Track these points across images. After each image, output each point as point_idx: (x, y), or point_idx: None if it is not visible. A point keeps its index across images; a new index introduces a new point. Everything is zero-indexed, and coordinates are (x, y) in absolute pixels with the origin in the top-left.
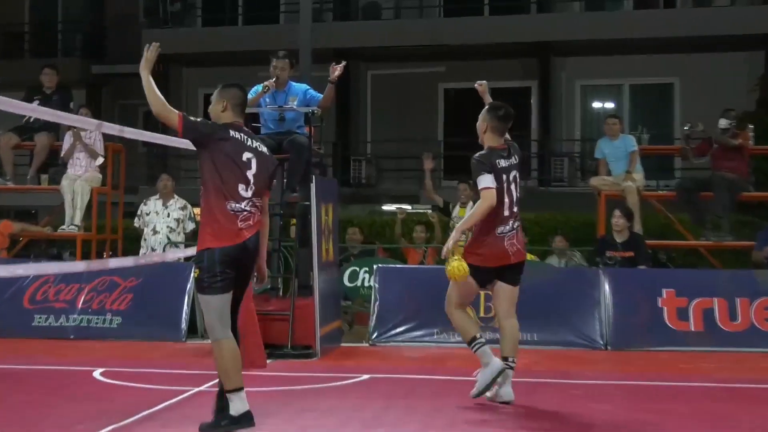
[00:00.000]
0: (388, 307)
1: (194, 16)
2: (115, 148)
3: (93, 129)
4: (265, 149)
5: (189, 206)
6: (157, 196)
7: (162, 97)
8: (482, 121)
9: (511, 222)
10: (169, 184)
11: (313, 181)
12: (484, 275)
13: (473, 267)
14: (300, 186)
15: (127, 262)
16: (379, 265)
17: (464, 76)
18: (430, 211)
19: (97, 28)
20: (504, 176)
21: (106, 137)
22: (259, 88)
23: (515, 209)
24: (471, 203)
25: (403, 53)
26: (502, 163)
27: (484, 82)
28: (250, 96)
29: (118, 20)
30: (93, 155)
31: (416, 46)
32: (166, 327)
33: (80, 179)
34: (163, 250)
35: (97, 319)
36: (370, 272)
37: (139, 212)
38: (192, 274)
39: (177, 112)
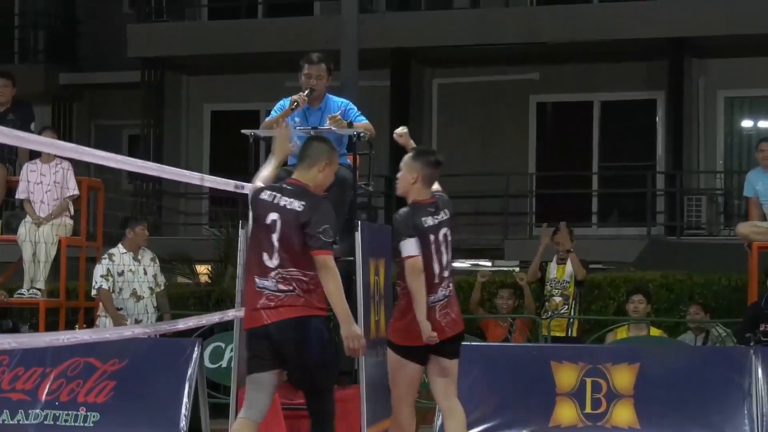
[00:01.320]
0: (461, 401)
1: (198, 6)
2: (91, 184)
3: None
4: (295, 203)
5: (156, 258)
6: (123, 249)
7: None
8: (409, 171)
9: (441, 289)
10: (146, 234)
11: (359, 228)
12: (418, 354)
13: (403, 348)
14: (341, 236)
15: (108, 335)
16: None
17: (564, 86)
18: (517, 270)
19: (65, 25)
20: (432, 237)
21: (79, 170)
22: (285, 103)
23: (446, 274)
24: (573, 257)
25: (481, 55)
26: (429, 221)
27: (405, 129)
28: (272, 114)
29: (93, 14)
30: (62, 196)
31: (500, 46)
32: (159, 425)
33: (45, 226)
34: (153, 321)
35: (67, 415)
36: None
37: (104, 271)
38: (197, 353)
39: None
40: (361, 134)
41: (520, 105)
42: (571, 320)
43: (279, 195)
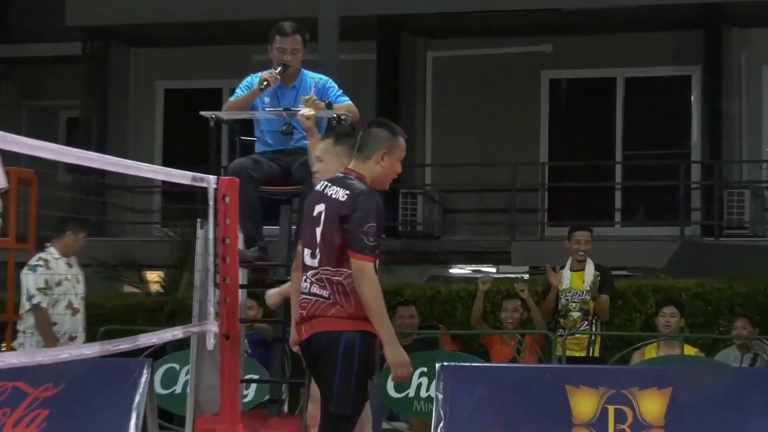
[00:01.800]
0: (463, 430)
1: None
2: (22, 176)
3: None
4: (340, 192)
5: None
6: (56, 253)
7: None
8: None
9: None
10: (84, 241)
11: None
12: None
13: None
14: None
15: (41, 357)
16: (446, 363)
17: (581, 60)
18: (526, 277)
19: None
20: None
21: (7, 160)
22: (253, 81)
23: None
24: (591, 266)
25: (483, 24)
26: None
27: (312, 111)
28: (237, 94)
29: None
30: None
31: (506, 13)
32: None
33: None
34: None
35: None
36: (431, 374)
37: (42, 283)
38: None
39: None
40: (343, 117)
41: (530, 82)
42: (593, 338)
43: (329, 184)
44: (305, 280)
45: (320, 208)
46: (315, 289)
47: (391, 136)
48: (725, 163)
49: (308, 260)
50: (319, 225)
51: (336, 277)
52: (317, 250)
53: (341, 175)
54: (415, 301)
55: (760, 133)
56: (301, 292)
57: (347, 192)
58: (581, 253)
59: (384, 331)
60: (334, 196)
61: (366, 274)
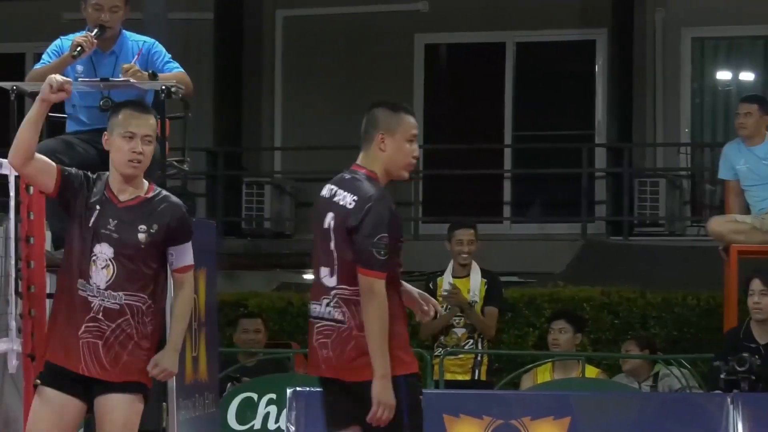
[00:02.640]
0: None
1: None
2: None
3: None
4: (347, 198)
5: None
6: None
7: None
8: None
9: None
10: None
11: None
12: None
13: None
14: None
15: None
16: (299, 388)
17: (463, 21)
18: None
19: None
20: None
21: None
22: (63, 46)
23: None
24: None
25: None
26: None
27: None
28: (44, 61)
29: None
30: None
31: None
32: None
33: None
34: None
35: None
36: (281, 402)
37: None
38: None
39: None
40: (172, 89)
41: (402, 48)
42: (479, 357)
43: (336, 188)
44: (320, 303)
45: (329, 218)
46: (337, 315)
47: (390, 114)
48: (636, 146)
49: (327, 280)
50: (330, 239)
51: (355, 297)
52: (335, 267)
53: (348, 175)
54: (262, 314)
55: (678, 112)
56: (320, 319)
57: (355, 198)
58: (464, 255)
59: (380, 362)
60: (341, 203)
61: (375, 294)
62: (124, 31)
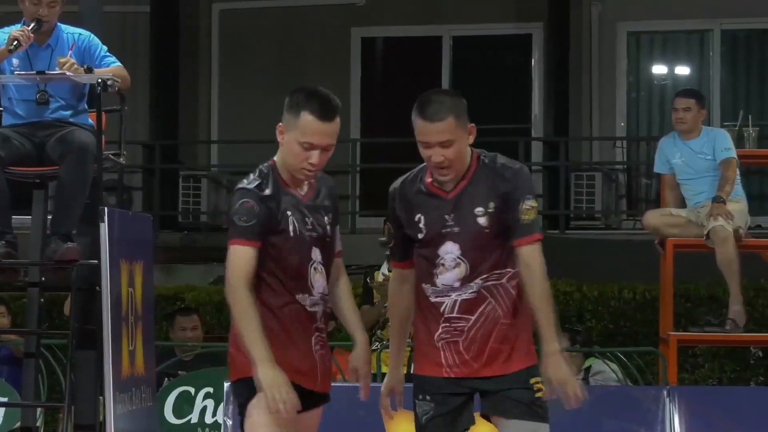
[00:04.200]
0: None
1: None
2: None
3: None
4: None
5: None
6: None
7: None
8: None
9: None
10: None
11: (106, 218)
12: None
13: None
14: (80, 229)
15: None
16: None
17: (400, 15)
18: None
19: None
20: None
21: None
22: (0, 39)
23: None
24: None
25: None
26: None
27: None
28: None
29: None
30: None
31: None
32: None
33: None
34: None
35: None
36: (218, 396)
37: None
38: None
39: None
40: (108, 82)
41: (338, 42)
42: None
43: None
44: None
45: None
46: None
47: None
48: (572, 140)
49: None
50: None
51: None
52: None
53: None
54: (199, 309)
55: (613, 105)
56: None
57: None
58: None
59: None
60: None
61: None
62: (59, 24)
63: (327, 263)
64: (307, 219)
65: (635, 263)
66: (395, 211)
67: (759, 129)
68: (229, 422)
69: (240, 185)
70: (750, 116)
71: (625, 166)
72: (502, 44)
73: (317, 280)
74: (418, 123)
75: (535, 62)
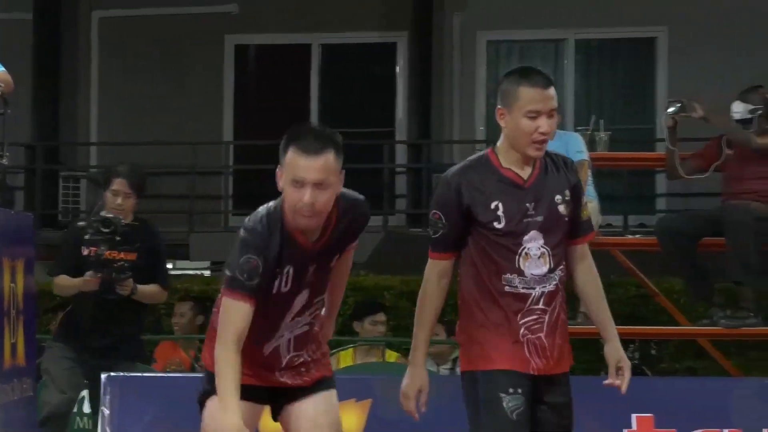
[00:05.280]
0: None
1: None
2: None
3: None
4: None
5: None
6: None
7: None
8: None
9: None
10: None
11: None
12: None
13: None
14: None
15: None
16: (112, 373)
17: (272, 23)
18: (207, 274)
19: None
20: None
21: None
22: None
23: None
24: None
25: None
26: None
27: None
28: None
29: None
30: None
31: None
32: None
33: None
34: None
35: None
36: (95, 386)
37: None
38: None
39: None
40: None
41: (213, 48)
42: None
43: None
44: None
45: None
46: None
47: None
48: (435, 143)
49: None
50: None
51: None
52: None
53: None
54: None
55: (473, 110)
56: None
57: None
58: None
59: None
60: None
61: (424, 274)
62: None
63: (316, 294)
64: (309, 268)
65: None
66: (459, 199)
67: (610, 133)
68: (107, 412)
69: (246, 233)
70: (602, 121)
71: None
72: (368, 52)
73: (288, 329)
74: (529, 92)
75: (400, 69)
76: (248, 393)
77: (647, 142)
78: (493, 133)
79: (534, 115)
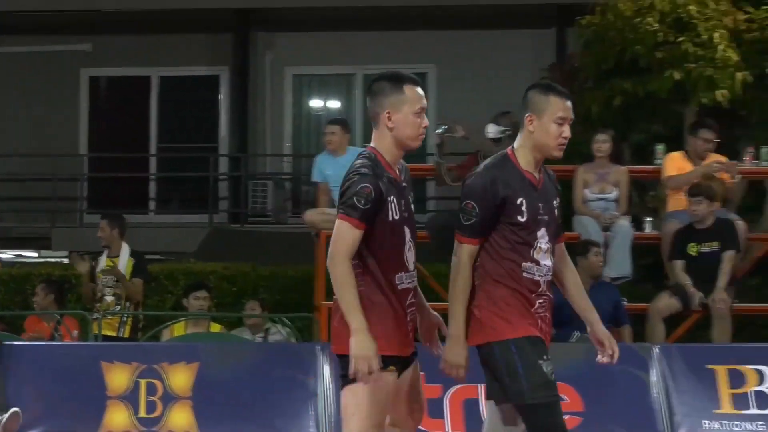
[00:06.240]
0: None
1: None
2: None
3: None
4: None
5: None
6: None
7: None
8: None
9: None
10: None
11: None
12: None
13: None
14: None
15: None
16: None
17: (119, 58)
18: (65, 261)
19: None
20: None
21: None
22: None
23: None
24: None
25: (30, 22)
26: None
27: None
28: None
29: None
30: None
31: (51, 13)
32: None
33: None
34: None
35: None
36: None
37: None
38: None
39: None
40: None
41: (71, 79)
42: (124, 318)
43: None
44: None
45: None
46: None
47: (539, 95)
48: (251, 156)
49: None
50: None
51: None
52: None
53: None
54: None
55: (282, 129)
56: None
57: None
58: (101, 239)
59: (451, 322)
60: None
61: (457, 256)
62: None
63: (415, 239)
64: (402, 201)
65: (298, 250)
66: (496, 192)
67: None
68: None
69: (357, 170)
70: None
71: (291, 176)
72: (196, 82)
73: (410, 258)
74: (558, 102)
75: (223, 96)
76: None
77: (420, 156)
78: (297, 147)
79: (561, 121)
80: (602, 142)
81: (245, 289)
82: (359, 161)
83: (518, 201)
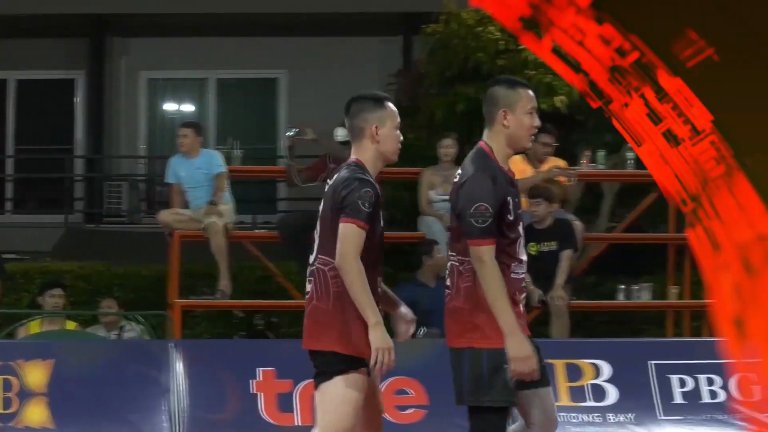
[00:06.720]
0: None
1: None
2: None
3: None
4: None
5: None
6: None
7: None
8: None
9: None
10: None
11: None
12: None
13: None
14: None
15: None
16: None
17: None
18: None
19: None
20: None
21: None
22: None
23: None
24: None
25: None
26: None
27: None
28: None
29: None
30: None
31: None
32: None
33: None
34: None
35: None
36: None
37: None
38: None
39: None
40: None
41: None
42: None
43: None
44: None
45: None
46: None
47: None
48: (106, 158)
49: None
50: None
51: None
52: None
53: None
54: None
55: (137, 132)
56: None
57: (459, 173)
58: None
59: (502, 320)
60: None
61: (484, 261)
62: None
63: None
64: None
65: (152, 249)
66: (500, 190)
67: (243, 151)
68: None
69: (355, 175)
70: (237, 142)
71: (146, 177)
72: (53, 86)
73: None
74: (527, 93)
75: (79, 100)
76: None
77: (271, 158)
78: (153, 149)
79: (532, 111)
80: (447, 147)
81: (100, 288)
82: (351, 168)
83: (507, 199)
